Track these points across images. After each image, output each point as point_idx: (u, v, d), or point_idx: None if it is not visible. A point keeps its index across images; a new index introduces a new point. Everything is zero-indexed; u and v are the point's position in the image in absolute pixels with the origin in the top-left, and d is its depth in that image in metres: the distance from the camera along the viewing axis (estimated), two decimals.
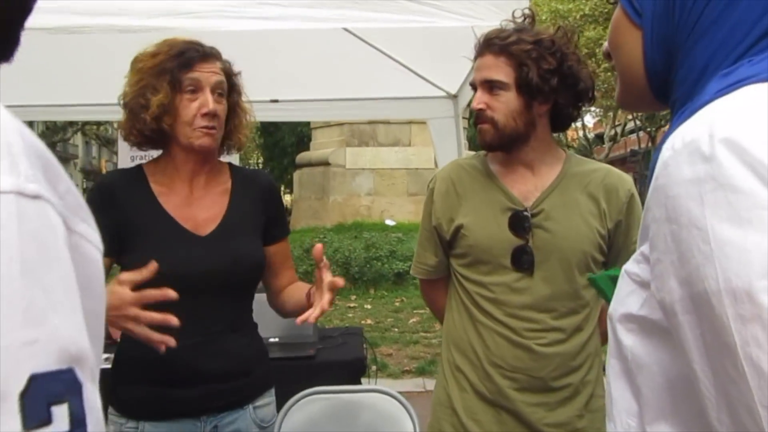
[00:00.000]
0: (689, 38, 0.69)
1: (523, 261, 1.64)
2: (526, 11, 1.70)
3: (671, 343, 0.61)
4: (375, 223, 12.38)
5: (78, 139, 34.67)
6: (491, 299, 1.67)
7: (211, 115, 1.60)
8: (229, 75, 1.70)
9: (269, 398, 1.76)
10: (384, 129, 13.80)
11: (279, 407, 2.16)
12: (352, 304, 8.37)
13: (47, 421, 0.37)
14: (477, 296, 1.69)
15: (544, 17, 18.66)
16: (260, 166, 32.70)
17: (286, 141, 20.78)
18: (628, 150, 27.91)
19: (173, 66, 1.58)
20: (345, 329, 3.53)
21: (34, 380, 0.37)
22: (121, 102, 1.66)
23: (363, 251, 9.46)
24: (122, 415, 1.61)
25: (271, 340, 2.93)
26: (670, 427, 0.64)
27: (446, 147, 3.81)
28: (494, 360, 1.67)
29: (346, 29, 2.86)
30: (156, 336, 1.39)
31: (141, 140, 1.64)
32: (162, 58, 1.59)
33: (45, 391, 0.37)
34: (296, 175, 15.76)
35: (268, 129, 21.10)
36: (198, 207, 1.67)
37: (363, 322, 7.35)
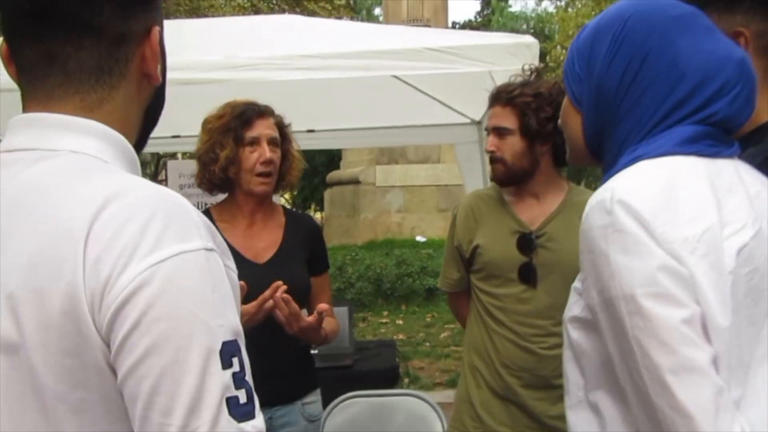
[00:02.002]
0: (612, 122, 0.99)
1: (528, 275, 1.93)
2: (533, 66, 1.98)
3: (599, 335, 0.91)
4: (406, 239, 12.51)
5: None
6: (501, 308, 1.97)
7: (268, 162, 1.93)
8: (281, 127, 2.04)
9: (315, 397, 2.09)
10: (413, 146, 13.90)
11: (323, 411, 2.44)
12: (384, 320, 8.59)
13: (231, 365, 0.70)
14: (490, 306, 1.99)
15: (571, 32, 18.80)
16: None
17: (317, 160, 21.10)
18: None
19: (236, 125, 1.92)
20: (379, 341, 3.81)
21: (224, 344, 0.70)
22: (198, 152, 2.00)
23: (394, 268, 9.67)
24: None
25: (312, 351, 3.20)
26: (604, 393, 0.93)
27: (472, 169, 4.07)
28: (504, 361, 1.96)
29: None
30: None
31: (211, 187, 2.00)
32: (227, 119, 1.94)
33: (228, 350, 0.70)
34: (327, 193, 15.99)
35: None
36: (257, 239, 2.01)
37: (395, 337, 7.55)
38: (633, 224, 0.84)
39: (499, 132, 1.95)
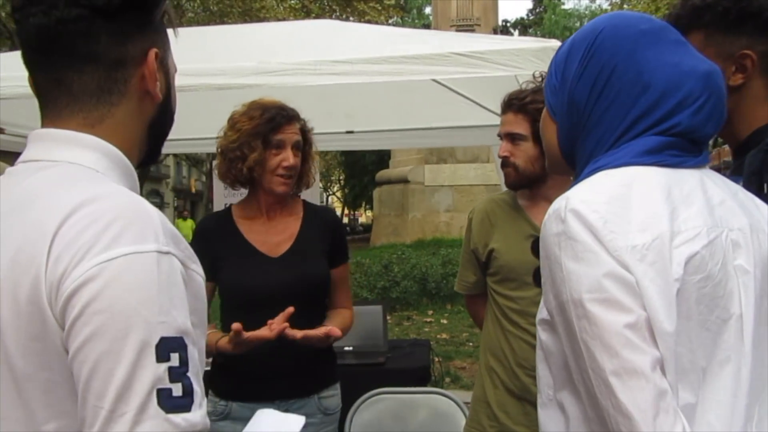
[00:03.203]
0: (582, 133, 1.03)
1: None
2: (543, 73, 2.00)
3: (559, 336, 0.95)
4: (454, 239, 12.48)
5: (170, 161, 36.41)
6: (517, 310, 1.99)
7: (290, 167, 2.03)
8: (304, 131, 2.13)
9: (334, 391, 2.15)
10: (462, 146, 13.94)
11: (352, 406, 2.51)
12: (428, 319, 8.63)
13: (167, 359, 0.76)
14: (506, 308, 2.01)
15: None
16: (342, 182, 33.42)
17: (367, 159, 21.25)
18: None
19: (266, 130, 2.02)
20: (413, 340, 3.85)
21: (163, 339, 0.76)
22: (218, 149, 2.12)
23: (440, 267, 9.70)
24: (217, 395, 2.09)
25: (346, 348, 3.28)
26: (568, 392, 0.97)
27: None
28: (520, 361, 1.98)
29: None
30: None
31: (234, 182, 2.11)
32: (258, 122, 2.03)
33: (167, 345, 0.76)
34: (376, 192, 16.09)
35: None
36: (273, 234, 2.10)
37: (438, 336, 7.60)
38: (583, 232, 0.88)
39: (512, 138, 1.99)
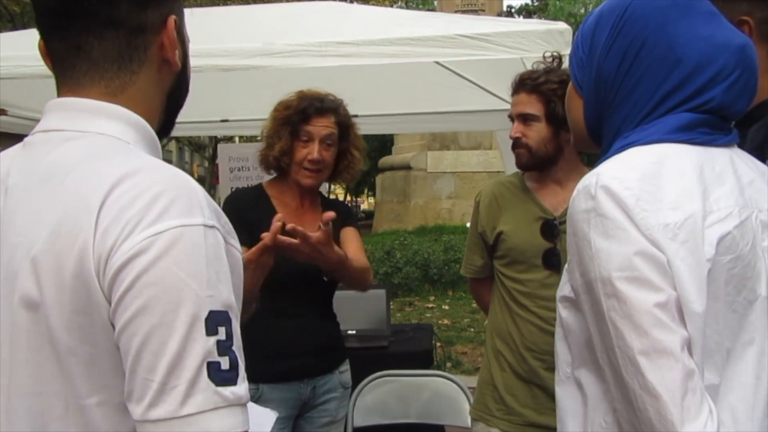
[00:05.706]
0: (609, 108, 1.01)
1: (552, 261, 1.93)
2: (555, 54, 1.99)
3: (583, 314, 0.93)
4: (456, 226, 12.48)
5: (172, 146, 36.31)
6: (526, 293, 1.98)
7: (315, 161, 2.05)
8: (344, 125, 2.13)
9: (347, 366, 2.25)
10: (465, 132, 13.85)
11: (356, 388, 2.52)
12: (430, 305, 8.65)
13: (215, 332, 0.76)
14: (514, 291, 2.00)
15: None
16: None
17: (370, 146, 21.16)
18: None
19: (296, 119, 2.04)
20: (416, 325, 3.85)
21: (211, 313, 0.76)
22: (263, 133, 2.16)
23: (442, 253, 9.70)
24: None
25: (350, 332, 3.29)
26: (587, 371, 0.96)
27: (513, 155, 4.06)
28: (528, 345, 1.97)
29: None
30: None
31: (269, 167, 2.15)
32: (290, 112, 2.06)
33: (215, 319, 0.76)
34: (379, 179, 16.06)
35: None
36: (305, 222, 2.09)
37: (440, 321, 7.61)
38: (614, 209, 0.86)
39: (525, 118, 1.96)
